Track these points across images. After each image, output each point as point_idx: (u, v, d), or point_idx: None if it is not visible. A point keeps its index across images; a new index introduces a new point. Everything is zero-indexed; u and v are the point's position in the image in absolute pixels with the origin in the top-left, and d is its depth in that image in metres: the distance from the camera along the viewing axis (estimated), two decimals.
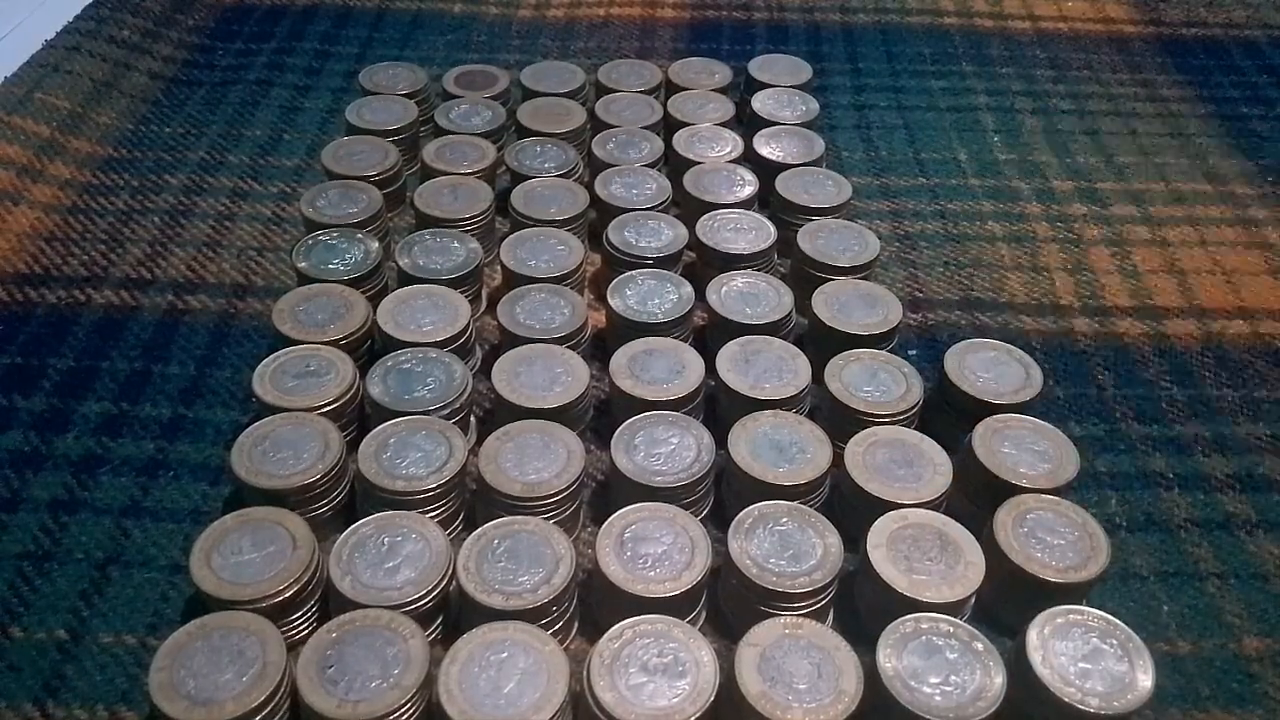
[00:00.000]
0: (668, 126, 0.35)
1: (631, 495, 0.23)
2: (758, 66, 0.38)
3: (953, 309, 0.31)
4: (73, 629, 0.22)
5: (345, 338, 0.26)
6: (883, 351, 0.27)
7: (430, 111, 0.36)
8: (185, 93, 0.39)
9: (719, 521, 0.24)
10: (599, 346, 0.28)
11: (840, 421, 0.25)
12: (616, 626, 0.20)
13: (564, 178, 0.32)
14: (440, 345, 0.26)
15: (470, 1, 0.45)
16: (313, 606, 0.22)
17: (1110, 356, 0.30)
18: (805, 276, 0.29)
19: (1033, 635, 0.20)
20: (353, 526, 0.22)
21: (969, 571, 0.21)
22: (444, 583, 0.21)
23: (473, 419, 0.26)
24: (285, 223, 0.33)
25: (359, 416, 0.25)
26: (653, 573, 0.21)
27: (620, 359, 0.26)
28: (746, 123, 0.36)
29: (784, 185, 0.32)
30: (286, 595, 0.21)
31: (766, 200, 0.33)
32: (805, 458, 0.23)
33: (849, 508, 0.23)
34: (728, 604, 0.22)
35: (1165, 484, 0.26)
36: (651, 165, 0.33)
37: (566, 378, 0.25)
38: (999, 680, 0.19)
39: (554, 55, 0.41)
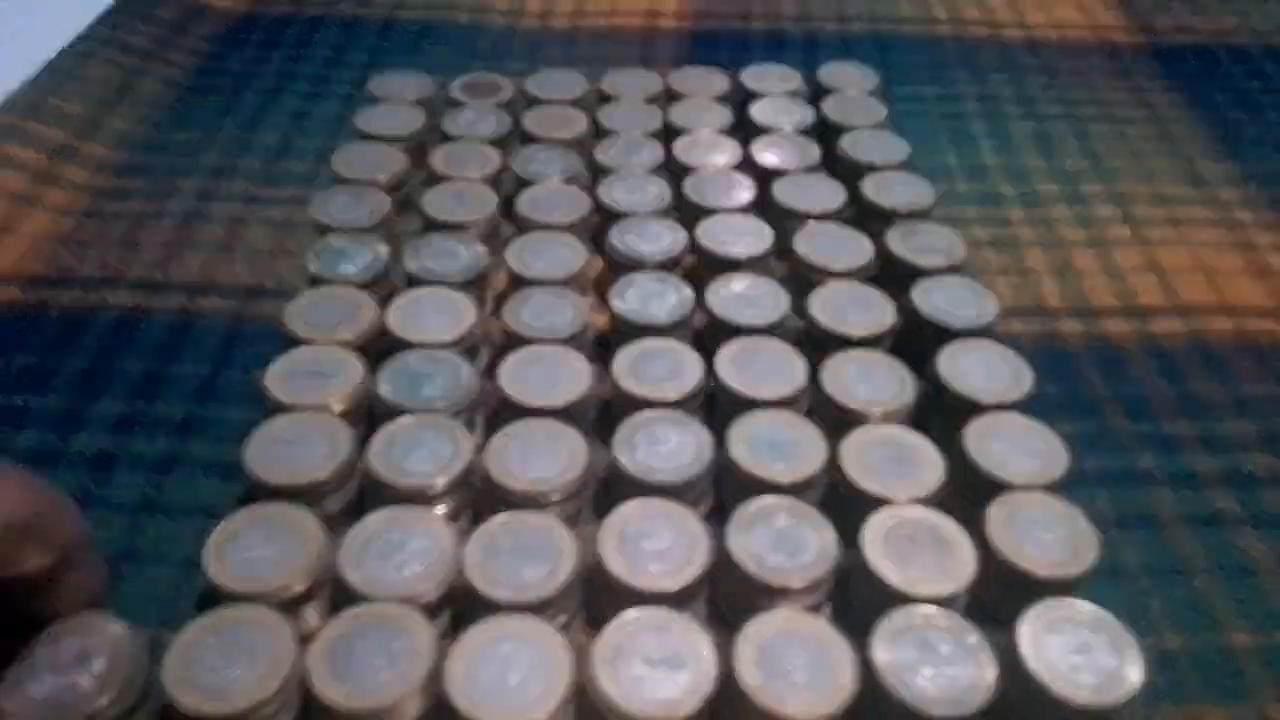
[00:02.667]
0: (668, 134, 0.36)
1: (632, 492, 0.23)
2: (750, 75, 0.39)
3: None
4: None
5: (355, 339, 0.27)
6: (877, 352, 0.27)
7: (437, 119, 0.37)
8: (198, 99, 0.40)
9: (718, 518, 0.24)
10: (601, 347, 0.29)
11: (836, 421, 0.25)
12: (618, 620, 0.20)
13: (567, 183, 0.33)
14: (447, 346, 0.26)
15: (476, 12, 0.46)
16: (322, 601, 0.22)
17: (1098, 356, 0.30)
18: (802, 279, 0.30)
19: (1024, 629, 0.21)
20: (362, 522, 0.22)
21: (961, 567, 0.22)
22: (451, 577, 0.21)
23: (479, 417, 0.27)
24: (296, 227, 0.34)
25: (368, 415, 0.26)
26: (654, 568, 0.21)
27: (622, 360, 0.26)
28: (745, 130, 0.37)
29: (781, 191, 0.33)
30: (297, 589, 0.21)
31: (764, 205, 0.33)
32: (802, 456, 0.24)
33: (845, 505, 0.24)
34: (726, 598, 0.23)
35: (1154, 481, 0.27)
36: (652, 171, 0.34)
37: (570, 378, 0.26)
38: (991, 674, 0.20)
39: (557, 64, 0.42)
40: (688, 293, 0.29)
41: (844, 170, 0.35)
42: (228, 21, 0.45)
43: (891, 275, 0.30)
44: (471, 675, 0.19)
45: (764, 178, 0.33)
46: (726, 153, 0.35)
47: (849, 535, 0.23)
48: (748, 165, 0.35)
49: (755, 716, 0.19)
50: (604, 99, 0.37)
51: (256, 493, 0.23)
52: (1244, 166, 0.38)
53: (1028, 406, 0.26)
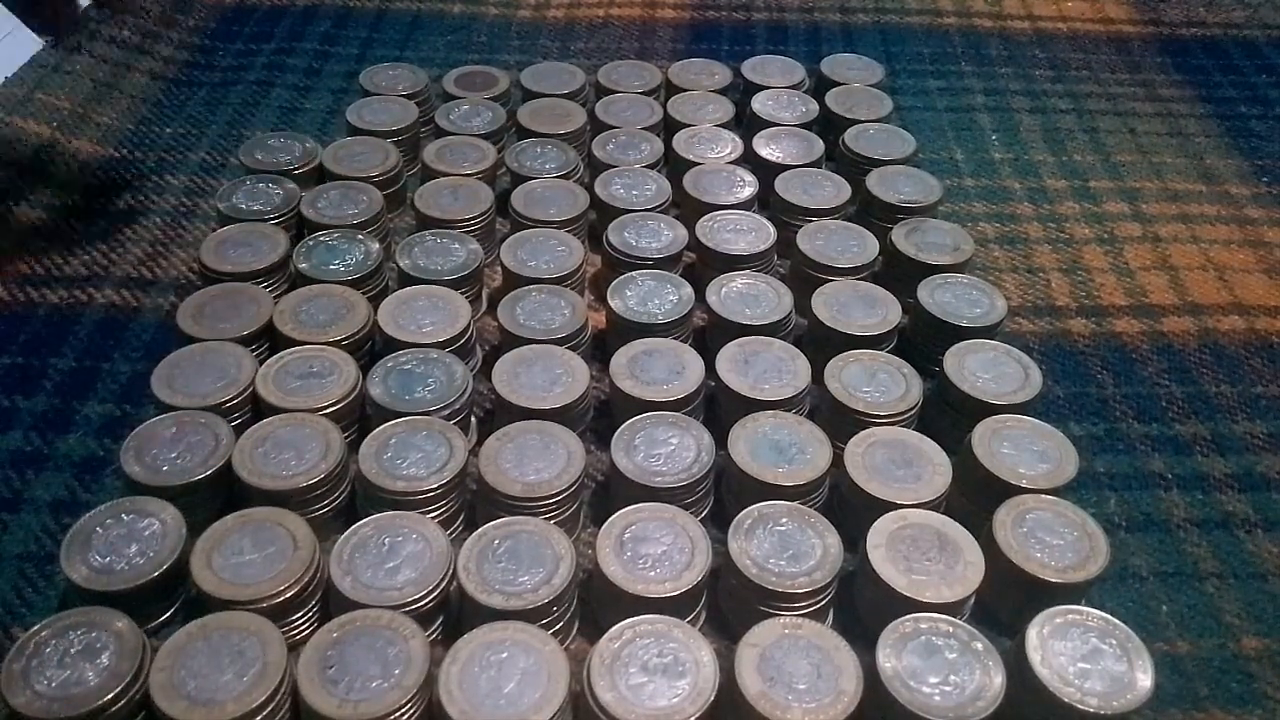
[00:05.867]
0: (667, 127, 0.36)
1: (631, 495, 0.23)
2: (751, 68, 0.38)
3: None
4: None
5: (347, 338, 0.26)
6: (882, 352, 0.27)
7: (430, 112, 0.36)
8: (186, 93, 0.39)
9: (719, 522, 0.24)
10: (599, 347, 0.28)
11: (840, 422, 0.25)
12: (616, 626, 0.20)
13: (564, 179, 0.32)
14: (441, 346, 0.26)
15: (470, 2, 0.46)
16: (313, 607, 0.22)
17: (1108, 356, 0.30)
18: (805, 277, 0.30)
19: (1032, 635, 0.20)
20: (353, 527, 0.22)
21: (968, 571, 0.21)
22: (444, 583, 0.21)
23: (473, 419, 0.26)
24: None
25: (360, 417, 0.25)
26: (653, 573, 0.21)
27: (620, 360, 0.26)
28: (746, 123, 0.36)
29: (784, 186, 0.32)
30: (287, 595, 0.21)
31: (766, 201, 0.33)
32: (805, 458, 0.23)
33: (849, 508, 0.24)
34: (728, 604, 0.22)
35: (1164, 484, 0.26)
36: (651, 166, 0.33)
37: (567, 378, 0.25)
38: (998, 680, 0.19)
39: (554, 56, 0.41)
40: (687, 291, 0.28)
41: (848, 165, 0.34)
42: (217, 14, 0.44)
43: (897, 273, 0.30)
44: (466, 683, 0.19)
45: (766, 173, 0.33)
46: (727, 147, 0.34)
47: (853, 540, 0.23)
48: (749, 160, 0.34)
49: None
50: (601, 92, 0.37)
51: (246, 497, 0.23)
52: (1254, 162, 0.38)
53: (1036, 407, 0.25)
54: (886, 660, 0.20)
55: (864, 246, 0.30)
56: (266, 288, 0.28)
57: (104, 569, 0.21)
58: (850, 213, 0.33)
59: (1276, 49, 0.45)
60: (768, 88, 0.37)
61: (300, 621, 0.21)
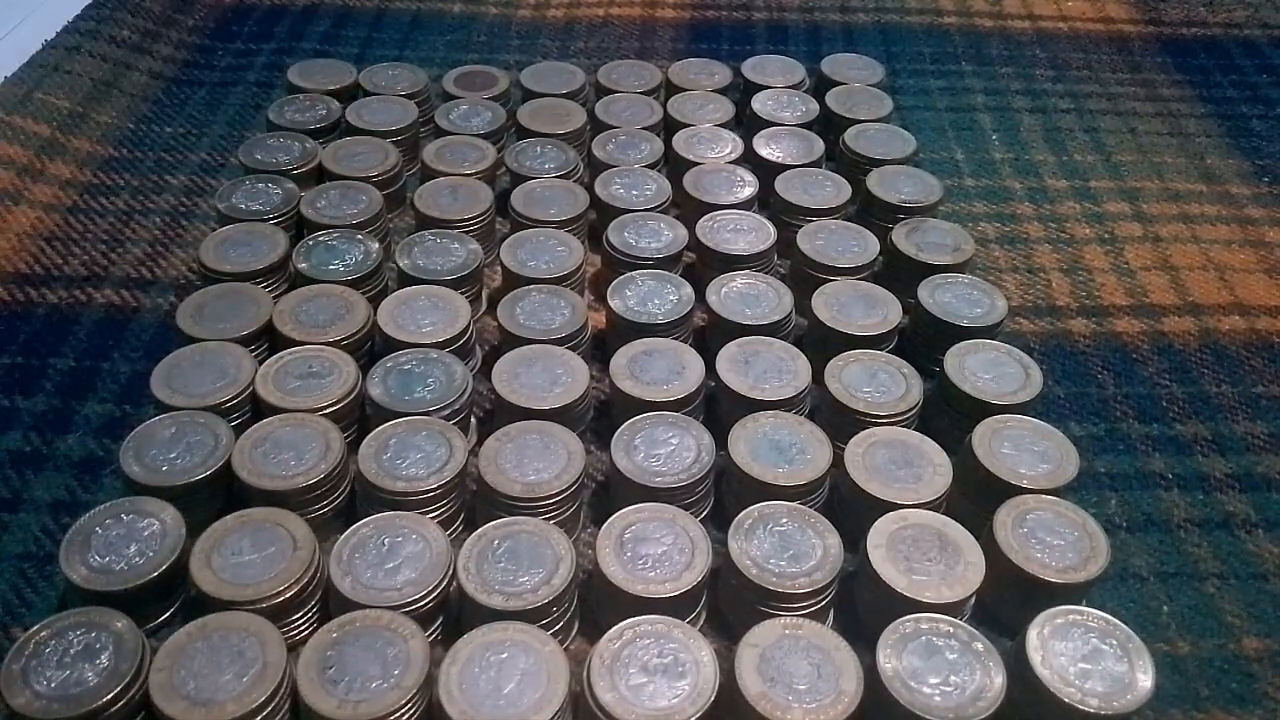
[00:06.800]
0: (667, 127, 0.36)
1: (631, 496, 0.23)
2: (751, 68, 0.38)
3: None
4: None
5: (346, 338, 0.26)
6: (882, 352, 0.27)
7: (430, 112, 0.36)
8: (186, 93, 0.39)
9: (719, 522, 0.24)
10: (599, 347, 0.29)
11: (840, 422, 0.25)
12: (616, 627, 0.20)
13: (564, 179, 0.32)
14: (440, 346, 0.26)
15: (470, 2, 0.46)
16: (313, 607, 0.22)
17: (1109, 356, 0.30)
18: (805, 277, 0.30)
19: (1032, 635, 0.20)
20: (353, 527, 0.22)
21: (969, 572, 0.21)
22: (444, 583, 0.21)
23: (473, 420, 0.26)
24: None
25: (359, 417, 0.25)
26: (653, 573, 0.21)
27: (620, 360, 0.26)
28: (746, 123, 0.36)
29: (784, 186, 0.32)
30: (287, 596, 0.21)
31: (766, 201, 0.33)
32: (805, 458, 0.23)
33: (849, 508, 0.24)
34: (728, 604, 0.22)
35: (1165, 484, 0.26)
36: (651, 166, 0.33)
37: (566, 378, 0.25)
38: (999, 680, 0.19)
39: (554, 56, 0.41)
40: (688, 291, 0.28)
41: (848, 165, 0.34)
42: (216, 14, 0.44)
43: (897, 273, 0.30)
44: (466, 684, 0.19)
45: (766, 173, 0.33)
46: (727, 147, 0.34)
47: (853, 540, 0.23)
48: (749, 160, 0.34)
49: None
50: (601, 92, 0.37)
51: (245, 497, 0.23)
52: (1255, 162, 0.38)
53: (1037, 408, 0.25)
54: (887, 661, 0.20)
55: (864, 246, 0.30)
56: (266, 288, 0.28)
57: (103, 569, 0.21)
58: (850, 213, 0.33)
59: (1277, 49, 0.45)
60: (768, 87, 0.37)
61: (300, 622, 0.21)
